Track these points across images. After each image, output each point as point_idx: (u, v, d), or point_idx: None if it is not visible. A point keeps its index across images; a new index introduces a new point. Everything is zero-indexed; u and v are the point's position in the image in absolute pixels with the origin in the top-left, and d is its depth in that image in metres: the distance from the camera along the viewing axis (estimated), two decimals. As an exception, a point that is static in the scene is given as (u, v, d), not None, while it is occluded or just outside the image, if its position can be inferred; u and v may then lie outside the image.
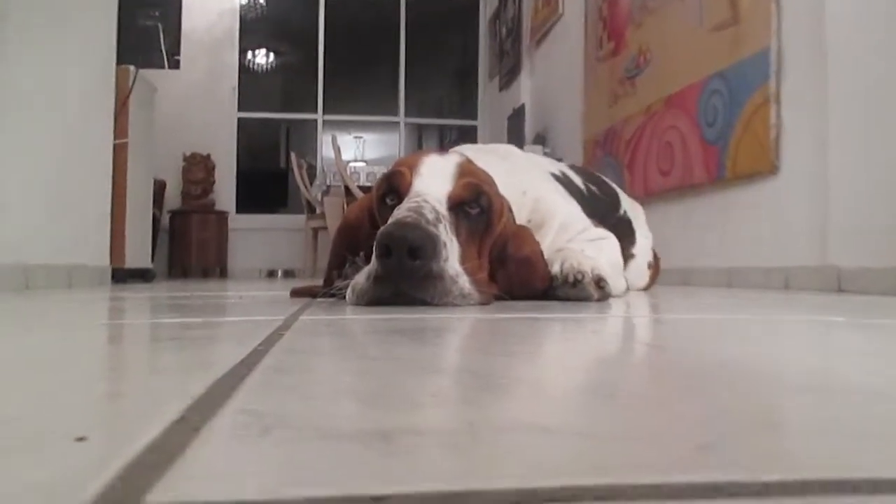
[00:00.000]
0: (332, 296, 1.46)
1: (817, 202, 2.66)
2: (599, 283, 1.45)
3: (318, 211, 6.36)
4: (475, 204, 1.40)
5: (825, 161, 2.61)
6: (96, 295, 2.11)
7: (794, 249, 2.80)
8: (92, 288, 2.94)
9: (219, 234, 7.08)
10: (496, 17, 7.52)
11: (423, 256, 1.19)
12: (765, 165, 2.96)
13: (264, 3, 8.11)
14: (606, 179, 2.08)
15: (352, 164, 5.77)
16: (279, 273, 7.36)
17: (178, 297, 1.94)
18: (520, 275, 1.45)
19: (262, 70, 8.44)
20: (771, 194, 2.97)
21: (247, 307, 1.36)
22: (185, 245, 6.88)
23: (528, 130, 6.24)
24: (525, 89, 6.46)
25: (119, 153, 3.77)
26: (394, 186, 1.43)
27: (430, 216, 1.28)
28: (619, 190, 2.07)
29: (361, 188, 5.52)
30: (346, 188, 5.57)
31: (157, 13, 4.02)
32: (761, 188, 3.03)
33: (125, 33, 3.66)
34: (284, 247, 7.42)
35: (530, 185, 1.63)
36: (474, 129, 8.23)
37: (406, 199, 1.35)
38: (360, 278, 1.28)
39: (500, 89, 7.27)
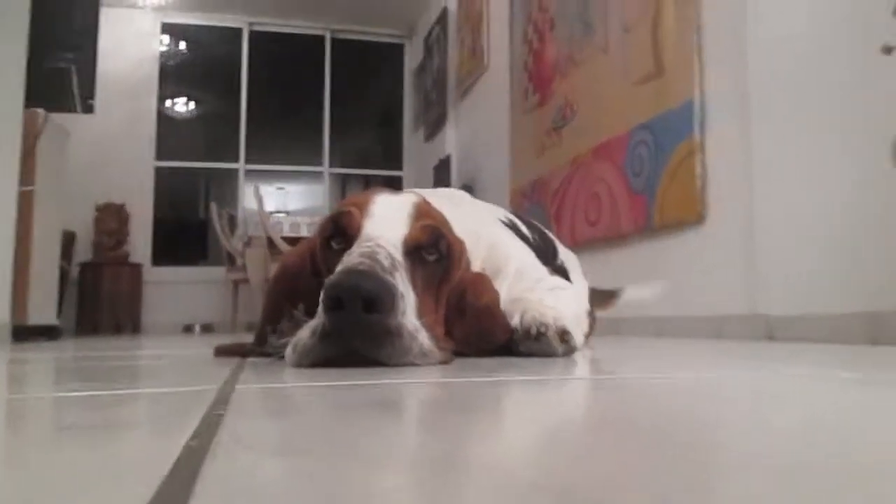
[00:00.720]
0: (267, 355, 1.28)
1: (744, 250, 2.69)
2: (564, 336, 1.33)
3: (238, 263, 6.16)
4: (433, 249, 1.27)
5: (750, 210, 2.65)
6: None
7: (724, 298, 2.82)
8: (-11, 346, 2.70)
9: (132, 288, 6.76)
10: (421, 68, 7.59)
11: (379, 310, 1.05)
12: (691, 214, 3.00)
13: (185, 50, 7.95)
14: (543, 227, 2.04)
15: (275, 215, 5.62)
16: (197, 328, 7.05)
17: (86, 357, 1.76)
18: (479, 327, 1.31)
19: (182, 118, 8.23)
20: (698, 243, 3.00)
21: (167, 371, 1.18)
22: (95, 299, 6.53)
23: (455, 181, 6.24)
24: (451, 140, 6.49)
25: (25, 200, 3.54)
26: (341, 228, 1.27)
27: (386, 263, 1.14)
28: (555, 238, 2.02)
29: (285, 239, 5.38)
30: (269, 239, 5.42)
31: (70, 55, 3.84)
32: (689, 237, 3.07)
33: (35, 75, 3.47)
34: (203, 300, 7.14)
35: (484, 231, 1.48)
36: (400, 179, 8.20)
37: (357, 244, 1.20)
38: (304, 334, 1.12)
39: (426, 139, 7.28)
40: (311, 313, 1.16)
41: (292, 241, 5.37)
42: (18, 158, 3.41)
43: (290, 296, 1.34)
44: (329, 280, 1.08)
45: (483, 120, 5.80)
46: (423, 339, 1.12)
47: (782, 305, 2.49)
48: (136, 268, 6.86)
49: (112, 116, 6.80)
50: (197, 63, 8.07)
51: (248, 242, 5.83)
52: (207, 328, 7.01)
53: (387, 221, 1.25)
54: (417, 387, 0.82)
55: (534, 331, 1.32)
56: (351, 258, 1.14)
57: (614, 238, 3.60)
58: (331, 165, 8.12)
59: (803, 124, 2.46)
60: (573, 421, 0.58)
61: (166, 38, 7.70)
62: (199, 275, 7.33)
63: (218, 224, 6.32)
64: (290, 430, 0.48)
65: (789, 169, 2.51)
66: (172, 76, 7.73)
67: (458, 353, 1.26)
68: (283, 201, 8.76)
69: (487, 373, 1.01)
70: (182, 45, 7.93)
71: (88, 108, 4.02)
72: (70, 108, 3.90)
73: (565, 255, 1.98)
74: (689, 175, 3.01)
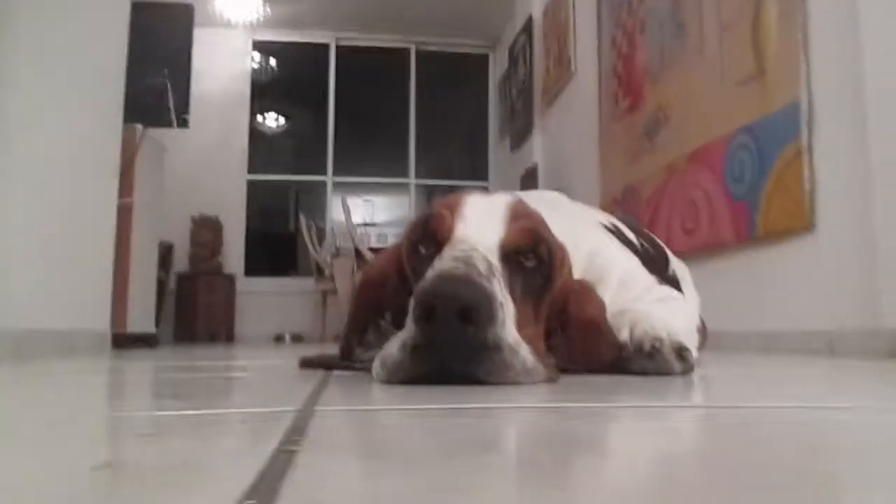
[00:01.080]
0: (352, 368, 1.21)
1: (863, 260, 2.49)
2: (681, 353, 1.18)
3: (327, 273, 6.23)
4: (532, 254, 1.14)
5: (869, 215, 2.45)
6: (85, 365, 1.93)
7: (838, 311, 2.61)
8: (89, 355, 2.78)
9: (226, 298, 6.93)
10: (506, 78, 7.52)
11: (477, 321, 0.93)
12: (799, 222, 2.80)
13: (275, 67, 8.16)
14: (653, 235, 1.90)
15: (361, 227, 5.66)
16: (287, 337, 7.17)
17: (178, 368, 1.76)
18: (583, 342, 1.16)
19: (273, 132, 8.44)
20: (808, 252, 2.80)
21: (252, 387, 1.12)
22: (191, 309, 6.72)
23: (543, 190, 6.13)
24: (538, 149, 6.38)
25: (124, 213, 3.66)
26: (430, 232, 1.16)
27: (482, 268, 1.01)
28: (665, 247, 1.88)
29: (372, 250, 5.39)
30: (357, 250, 5.45)
31: (165, 72, 3.96)
32: (796, 246, 2.87)
33: (133, 92, 3.59)
34: (293, 311, 7.25)
35: (583, 236, 1.33)
36: (486, 189, 8.14)
37: (448, 248, 1.08)
38: (392, 349, 1.01)
39: (512, 149, 7.20)
40: (398, 324, 1.09)
41: (379, 252, 5.39)
42: (118, 172, 3.52)
43: (376, 306, 1.26)
44: (420, 287, 0.98)
45: (571, 128, 5.68)
46: (525, 354, 1.00)
47: (906, 319, 2.28)
48: (230, 278, 7.03)
49: (206, 132, 7.01)
50: (286, 79, 8.26)
51: (335, 254, 5.89)
52: (297, 338, 7.12)
53: (481, 224, 1.13)
54: (526, 415, 0.71)
55: (647, 347, 1.18)
56: (443, 262, 1.03)
57: (713, 247, 3.41)
58: (416, 177, 8.14)
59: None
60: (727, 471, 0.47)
61: (257, 55, 7.91)
62: (289, 286, 7.47)
63: (307, 235, 6.41)
64: (373, 479, 0.39)
65: (912, 171, 2.30)
66: (263, 92, 7.93)
67: (561, 370, 1.13)
68: (370, 213, 8.84)
69: (602, 396, 0.88)
70: (272, 62, 8.14)
71: (184, 123, 4.14)
72: (166, 124, 4.02)
73: (677, 265, 1.82)
74: (795, 180, 2.81)
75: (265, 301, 7.28)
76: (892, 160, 2.38)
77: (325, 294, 6.34)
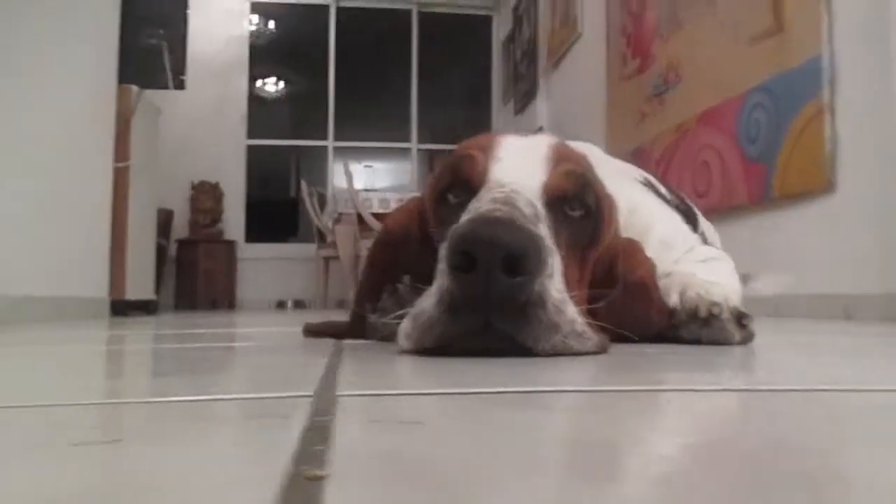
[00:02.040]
0: (365, 337, 1.10)
1: (884, 222, 2.39)
2: (741, 319, 1.05)
3: (329, 240, 6.14)
4: (578, 203, 0.99)
5: (892, 176, 2.35)
6: (77, 333, 1.86)
7: (856, 275, 2.53)
8: (86, 321, 2.71)
9: (227, 265, 6.86)
10: (510, 39, 7.34)
11: (524, 269, 0.78)
12: (819, 183, 2.70)
13: (274, 29, 7.97)
14: (682, 192, 1.79)
15: (363, 193, 5.55)
16: (289, 304, 7.11)
17: (177, 336, 1.68)
18: (631, 306, 1.01)
19: (272, 97, 8.28)
20: (826, 214, 2.71)
21: (258, 360, 0.98)
22: (192, 276, 6.65)
23: (547, 154, 6.01)
24: (542, 112, 6.24)
25: (120, 177, 3.56)
26: (461, 177, 1.01)
27: (527, 211, 0.86)
28: (693, 204, 1.77)
29: (375, 215, 5.30)
30: (359, 216, 5.35)
31: (161, 31, 3.83)
32: (815, 207, 2.77)
33: (127, 52, 3.47)
34: (295, 277, 7.18)
35: (621, 191, 1.15)
36: (489, 154, 8.00)
37: (485, 191, 0.93)
38: (427, 304, 0.85)
39: (516, 113, 7.06)
40: (418, 288, 0.94)
41: (382, 217, 5.30)
42: (113, 134, 3.42)
43: (394, 266, 1.10)
44: (455, 231, 0.82)
45: (577, 90, 5.54)
46: (573, 313, 0.85)
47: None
48: (231, 245, 6.95)
49: (203, 95, 6.87)
50: (285, 42, 8.08)
51: (337, 219, 5.78)
52: (299, 304, 7.06)
53: (520, 166, 0.97)
54: (597, 400, 0.56)
55: (703, 312, 1.04)
56: (481, 204, 0.88)
57: (726, 210, 3.32)
58: (419, 141, 8.00)
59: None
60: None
61: (255, 18, 7.72)
62: (291, 252, 7.38)
63: (308, 201, 6.31)
64: None
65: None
66: (262, 56, 7.75)
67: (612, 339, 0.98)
68: (371, 179, 8.73)
69: (673, 373, 0.75)
70: (271, 25, 7.94)
71: (180, 85, 4.01)
72: (162, 85, 3.90)
73: (705, 225, 1.69)
74: (815, 140, 2.71)
75: (266, 267, 7.20)
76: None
77: (327, 260, 6.26)
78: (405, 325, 0.89)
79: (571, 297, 0.88)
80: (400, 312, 0.94)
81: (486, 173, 0.98)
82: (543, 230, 0.87)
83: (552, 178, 0.98)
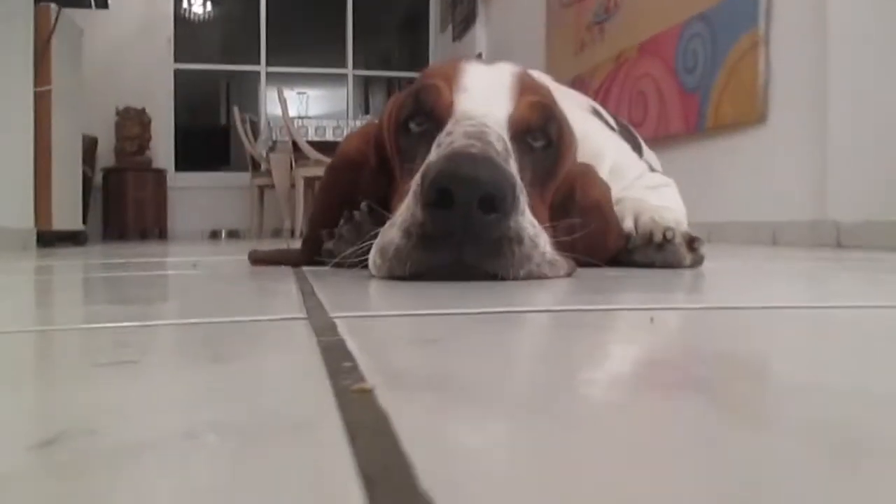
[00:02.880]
0: (321, 263, 1.07)
1: (812, 153, 2.49)
2: (692, 243, 1.09)
3: (263, 168, 6.01)
4: (541, 133, 1.00)
5: (824, 109, 2.43)
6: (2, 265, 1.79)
7: (785, 203, 2.63)
8: (12, 253, 2.61)
9: (157, 194, 6.65)
10: (448, -37, 7.17)
11: (500, 208, 0.80)
12: (751, 114, 2.78)
13: (200, -54, 7.56)
14: (624, 120, 1.82)
15: (297, 121, 5.42)
16: (223, 233, 6.98)
17: (121, 265, 1.64)
18: (589, 230, 1.02)
19: (200, 19, 7.90)
20: (758, 145, 2.80)
21: (224, 290, 0.92)
22: (120, 205, 6.43)
23: (485, 82, 5.96)
24: (481, 39, 6.17)
25: (41, 102, 3.38)
26: (425, 106, 0.99)
27: (499, 147, 0.86)
28: (636, 132, 1.81)
29: (310, 143, 5.20)
30: (294, 144, 5.24)
31: (80, -54, 3.59)
32: (747, 139, 2.86)
33: (44, -33, 3.24)
34: (228, 206, 7.03)
35: (573, 120, 1.14)
36: (426, 82, 7.88)
37: (452, 123, 0.92)
38: (392, 236, 0.86)
39: (454, 39, 6.95)
40: (375, 213, 0.96)
41: (317, 145, 5.20)
42: (32, 57, 3.23)
43: (351, 192, 1.10)
44: (432, 165, 0.82)
45: (516, 17, 5.48)
46: (545, 244, 0.88)
47: (853, 211, 2.31)
48: (160, 173, 6.72)
49: (127, 16, 6.53)
50: (213, -41, 7.68)
51: (272, 147, 5.66)
52: (233, 234, 6.94)
53: (486, 96, 0.97)
54: (583, 318, 0.58)
55: (658, 237, 1.08)
56: (454, 138, 0.87)
57: (661, 139, 3.38)
58: (354, 67, 7.81)
59: (890, 13, 2.21)
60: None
61: (181, -68, 7.29)
62: (223, 180, 7.20)
63: (241, 129, 6.14)
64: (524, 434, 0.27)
65: (870, 63, 2.28)
66: (188, -27, 7.36)
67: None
68: (304, 107, 8.51)
69: (648, 294, 0.78)
70: (198, -60, 7.53)
71: (103, 3, 3.79)
72: (84, 3, 3.68)
73: (647, 151, 1.74)
74: (750, 71, 2.77)
75: (198, 196, 7.02)
76: (850, 53, 2.35)
77: (261, 189, 6.14)
78: (373, 256, 0.90)
79: (544, 229, 0.91)
80: (362, 245, 0.94)
81: (451, 104, 0.98)
82: (513, 166, 0.89)
83: (518, 109, 0.99)
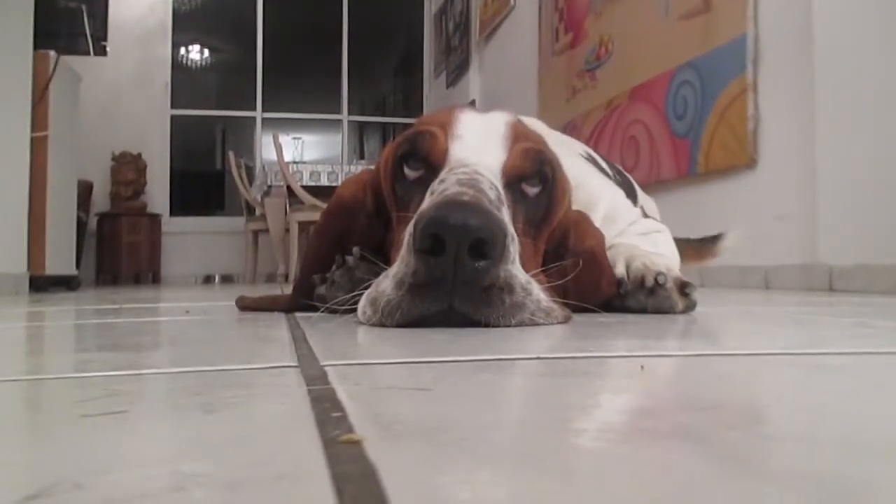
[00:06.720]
0: (313, 308, 1.05)
1: (803, 197, 2.51)
2: (684, 288, 1.09)
3: (258, 213, 6.03)
4: (536, 180, 1.02)
5: (812, 153, 2.46)
6: None
7: (776, 247, 2.65)
8: (4, 298, 2.60)
9: (151, 238, 6.65)
10: (442, 11, 7.30)
11: (490, 255, 0.80)
12: (742, 159, 2.81)
13: (198, -6, 7.70)
14: (619, 166, 1.84)
15: (292, 165, 5.46)
16: (216, 278, 6.96)
17: (113, 311, 1.63)
18: (583, 276, 1.03)
19: (197, 66, 8.02)
20: (749, 190, 2.82)
21: (214, 336, 0.91)
22: (114, 250, 6.43)
23: (479, 128, 6.03)
24: (475, 85, 6.25)
25: (38, 147, 3.40)
26: (420, 152, 1.01)
27: (492, 195, 0.88)
28: (632, 178, 1.83)
29: (305, 188, 5.23)
30: (289, 189, 5.27)
31: (80, -5, 3.66)
32: (738, 183, 2.89)
33: (44, 16, 3.30)
34: (222, 251, 7.03)
35: (567, 167, 1.15)
36: (420, 127, 7.96)
37: (447, 171, 0.94)
38: (385, 287, 0.87)
39: (448, 86, 7.04)
40: (367, 259, 0.96)
41: (312, 190, 5.23)
42: (30, 103, 3.26)
43: (345, 237, 1.10)
44: (423, 213, 0.82)
45: (509, 63, 5.57)
46: (538, 293, 0.89)
47: (845, 255, 2.32)
48: (155, 218, 6.74)
49: (125, 62, 6.60)
50: (210, 8, 7.81)
51: (267, 192, 5.68)
52: (227, 279, 6.92)
53: (480, 144, 0.99)
54: (575, 365, 0.57)
55: (649, 282, 1.08)
56: (447, 186, 0.88)
57: (653, 184, 3.41)
58: (350, 113, 7.90)
59: (873, 59, 2.26)
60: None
61: (178, -18, 7.43)
62: (218, 225, 7.22)
63: (236, 173, 6.17)
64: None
65: (857, 108, 2.32)
66: (186, 22, 7.48)
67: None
68: (300, 152, 8.59)
69: (640, 340, 0.78)
70: (195, -11, 7.67)
71: (101, 51, 3.85)
72: (82, 51, 3.73)
73: (644, 199, 1.75)
74: (739, 117, 2.81)
75: (192, 241, 7.02)
76: (837, 98, 2.39)
77: (255, 233, 6.15)
78: (363, 305, 0.90)
79: (534, 276, 0.91)
80: (354, 294, 0.95)
81: (446, 151, 0.99)
82: (506, 214, 0.90)
83: (511, 157, 1.00)
